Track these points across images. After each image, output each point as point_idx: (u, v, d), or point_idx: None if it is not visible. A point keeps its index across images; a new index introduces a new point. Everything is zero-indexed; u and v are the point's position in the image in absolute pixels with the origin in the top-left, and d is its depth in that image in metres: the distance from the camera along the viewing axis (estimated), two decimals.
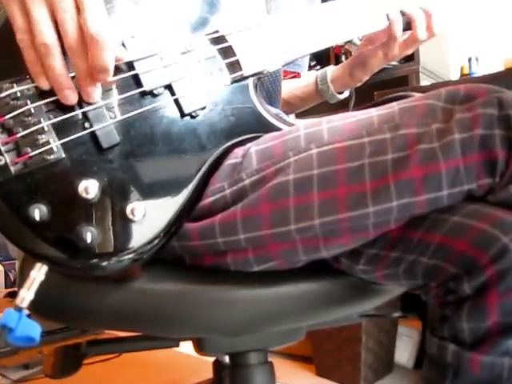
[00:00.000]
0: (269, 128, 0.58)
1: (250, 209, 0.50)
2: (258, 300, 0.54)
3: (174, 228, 0.50)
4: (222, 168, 0.54)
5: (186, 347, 0.70)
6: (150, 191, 0.48)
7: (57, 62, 0.43)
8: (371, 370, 1.41)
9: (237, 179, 0.52)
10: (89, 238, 0.43)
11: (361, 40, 0.84)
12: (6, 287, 1.80)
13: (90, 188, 0.44)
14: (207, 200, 0.53)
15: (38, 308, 0.48)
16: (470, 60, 1.68)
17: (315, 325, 0.67)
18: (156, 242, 0.48)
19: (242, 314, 0.54)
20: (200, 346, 0.61)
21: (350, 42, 0.87)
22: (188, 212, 0.51)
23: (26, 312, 0.43)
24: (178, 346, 0.78)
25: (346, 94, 0.91)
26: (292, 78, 0.93)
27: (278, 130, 0.58)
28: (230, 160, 0.54)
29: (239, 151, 0.55)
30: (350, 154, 0.48)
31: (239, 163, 0.53)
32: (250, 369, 0.65)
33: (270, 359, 0.68)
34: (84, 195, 0.44)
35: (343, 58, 1.63)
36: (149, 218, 0.47)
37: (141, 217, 0.46)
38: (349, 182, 0.47)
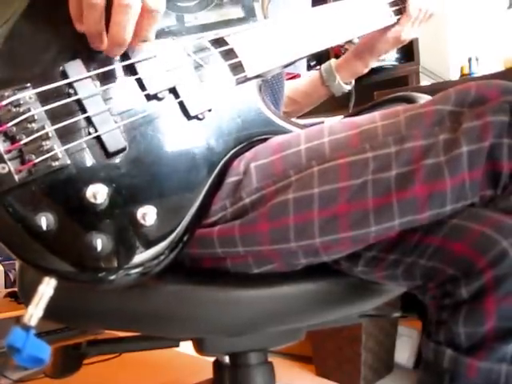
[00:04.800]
0: (276, 129, 0.57)
1: (248, 226, 0.50)
2: (259, 300, 0.54)
3: (185, 237, 0.48)
4: (223, 186, 0.53)
5: (186, 347, 0.70)
6: (161, 196, 0.47)
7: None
8: (371, 370, 1.41)
9: (237, 198, 0.52)
10: (99, 245, 0.42)
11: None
12: (5, 287, 1.79)
13: (98, 193, 0.42)
14: (210, 220, 0.52)
15: None
16: (469, 60, 1.68)
17: (315, 325, 0.67)
18: (166, 253, 0.47)
19: (243, 314, 0.54)
20: (200, 346, 0.61)
21: (350, 41, 0.87)
22: (198, 220, 0.50)
23: (34, 331, 0.40)
24: (178, 346, 0.78)
25: (350, 87, 0.89)
26: (291, 78, 0.92)
27: (285, 131, 0.58)
28: (232, 177, 0.53)
29: (240, 167, 0.53)
30: (352, 171, 0.47)
31: (240, 181, 0.52)
32: (249, 369, 0.65)
33: (270, 359, 0.68)
34: (92, 200, 0.42)
35: None
36: (160, 222, 0.45)
37: (152, 222, 0.44)
38: (351, 200, 0.47)
